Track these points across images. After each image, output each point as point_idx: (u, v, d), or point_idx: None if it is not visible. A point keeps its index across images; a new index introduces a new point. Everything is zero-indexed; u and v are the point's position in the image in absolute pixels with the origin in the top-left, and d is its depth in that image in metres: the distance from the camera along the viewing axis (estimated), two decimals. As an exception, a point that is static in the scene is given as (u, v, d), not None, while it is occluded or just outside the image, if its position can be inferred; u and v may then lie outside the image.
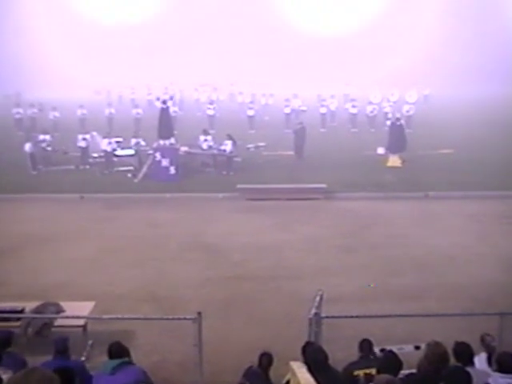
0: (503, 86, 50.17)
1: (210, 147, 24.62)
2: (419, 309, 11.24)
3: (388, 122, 27.92)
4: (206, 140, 24.77)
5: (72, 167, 24.80)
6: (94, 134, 25.68)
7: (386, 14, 57.35)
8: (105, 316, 9.83)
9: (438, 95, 46.77)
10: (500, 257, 14.95)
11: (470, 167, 24.00)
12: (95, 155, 24.81)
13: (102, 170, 24.11)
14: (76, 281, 13.52)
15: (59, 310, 10.35)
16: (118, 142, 25.03)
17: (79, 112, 34.37)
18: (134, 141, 24.82)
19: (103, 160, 24.41)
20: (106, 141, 24.37)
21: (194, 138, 25.59)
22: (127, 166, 24.28)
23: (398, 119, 26.14)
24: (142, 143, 24.68)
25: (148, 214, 19.02)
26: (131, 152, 24.47)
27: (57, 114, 33.94)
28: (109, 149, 24.24)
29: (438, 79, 50.76)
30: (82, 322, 10.16)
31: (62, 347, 7.27)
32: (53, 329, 10.02)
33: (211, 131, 27.85)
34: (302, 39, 57.75)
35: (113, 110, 35.00)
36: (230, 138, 24.19)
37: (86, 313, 10.38)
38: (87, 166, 24.91)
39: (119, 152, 24.70)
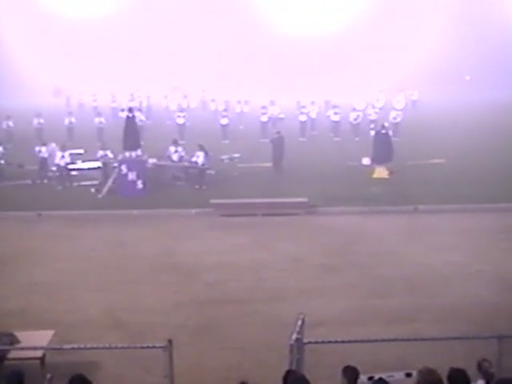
0: (497, 91, 50.93)
1: (180, 159, 24.59)
2: (410, 332, 11.25)
3: (372, 132, 28.09)
4: (176, 151, 24.74)
5: (28, 182, 24.57)
6: (53, 145, 25.49)
7: (369, 15, 57.95)
8: (65, 346, 9.70)
9: (428, 101, 47.30)
10: (497, 275, 15.04)
11: (462, 178, 24.21)
12: (54, 169, 24.65)
13: (57, 186, 23.94)
14: (33, 307, 13.33)
15: (13, 341, 10.18)
16: (79, 154, 24.89)
17: (36, 121, 34.15)
18: (100, 153, 24.68)
19: (58, 175, 24.29)
20: (59, 154, 24.20)
21: (162, 149, 25.54)
22: (90, 180, 24.13)
23: (383, 127, 26.31)
24: (110, 155, 24.55)
25: (113, 233, 18.87)
26: (95, 165, 24.35)
27: (10, 123, 33.66)
28: (62, 163, 24.07)
29: (427, 83, 51.34)
30: (39, 353, 9.99)
31: (16, 383, 7.14)
32: (6, 362, 9.82)
33: (181, 141, 27.87)
34: (279, 41, 58.06)
35: (73, 119, 34.82)
36: (201, 148, 24.17)
37: (44, 343, 10.22)
38: (45, 181, 24.71)
39: (81, 165, 24.56)
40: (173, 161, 24.67)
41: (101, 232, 19.00)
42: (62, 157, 24.17)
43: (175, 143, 25.13)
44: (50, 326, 11.25)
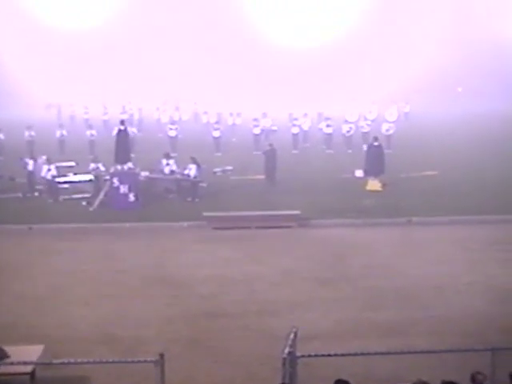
0: (491, 102, 51.12)
1: (172, 172, 24.56)
2: (404, 345, 11.22)
3: (364, 147, 28.10)
4: (168, 164, 24.69)
5: (19, 195, 24.48)
6: (44, 157, 25.41)
7: (362, 27, 58.25)
8: (55, 361, 9.65)
9: (420, 112, 47.53)
10: (491, 287, 15.06)
11: (456, 190, 24.26)
12: (42, 182, 24.57)
13: (48, 199, 23.87)
14: (23, 322, 13.24)
15: (3, 356, 10.11)
16: (70, 166, 24.82)
17: (27, 133, 34.07)
18: (92, 165, 24.62)
19: (46, 188, 24.23)
20: (45, 167, 24.12)
21: (154, 162, 25.51)
22: (82, 193, 24.07)
23: (375, 139, 26.36)
24: (102, 168, 24.49)
25: (104, 246, 18.80)
26: (87, 178, 24.30)
27: (1, 135, 33.58)
28: (49, 176, 23.99)
29: (420, 95, 51.62)
30: (29, 368, 9.94)
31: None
32: (-4, 377, 9.79)
33: (173, 154, 27.85)
34: (271, 53, 58.25)
35: (64, 132, 34.71)
36: (194, 161, 24.15)
37: (34, 358, 10.15)
38: (36, 194, 24.64)
39: (72, 178, 24.50)
40: (165, 174, 24.65)
41: (92, 245, 18.92)
42: (49, 170, 24.04)
43: (167, 156, 25.09)
44: (39, 340, 11.19)
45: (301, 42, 60.07)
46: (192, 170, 23.99)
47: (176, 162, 25.01)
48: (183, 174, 24.25)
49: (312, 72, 56.88)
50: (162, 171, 24.77)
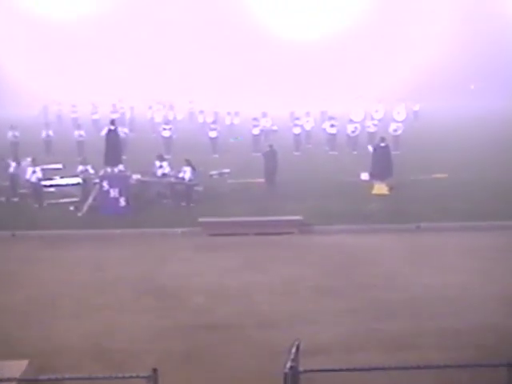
0: (504, 100, 51.12)
1: (165, 175, 24.54)
2: (413, 359, 11.21)
3: (370, 147, 28.09)
4: (161, 166, 24.70)
5: (2, 199, 24.49)
6: (29, 159, 25.41)
7: (368, 21, 58.27)
8: (41, 377, 9.63)
9: (430, 112, 47.51)
10: (506, 298, 15.01)
11: (468, 194, 24.25)
12: (26, 185, 24.56)
13: (33, 204, 23.85)
14: (6, 335, 13.23)
15: (-15, 372, 10.10)
16: (57, 169, 24.81)
17: (10, 134, 34.07)
18: (80, 168, 24.61)
19: (30, 192, 24.22)
20: (30, 169, 24.11)
21: (147, 164, 25.51)
22: (69, 197, 24.06)
23: (382, 139, 26.37)
24: (91, 171, 24.48)
25: (94, 254, 18.79)
26: (75, 181, 24.29)
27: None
28: (34, 178, 23.96)
29: (430, 93, 51.66)
30: (13, 384, 9.93)
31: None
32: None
33: (167, 156, 27.86)
34: (272, 48, 58.31)
35: (51, 132, 34.74)
36: (188, 163, 24.15)
37: (17, 374, 10.12)
38: (15, 199, 24.57)
39: (59, 181, 24.49)
40: (158, 177, 24.64)
41: (80, 253, 18.91)
42: (34, 172, 24.01)
43: (160, 158, 25.10)
44: (24, 355, 11.16)
45: (303, 36, 60.10)
46: (187, 173, 24.00)
47: (170, 165, 25.04)
48: (177, 177, 24.24)
49: (315, 68, 56.95)
50: (154, 174, 24.77)
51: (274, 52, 58.06)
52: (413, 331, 13.24)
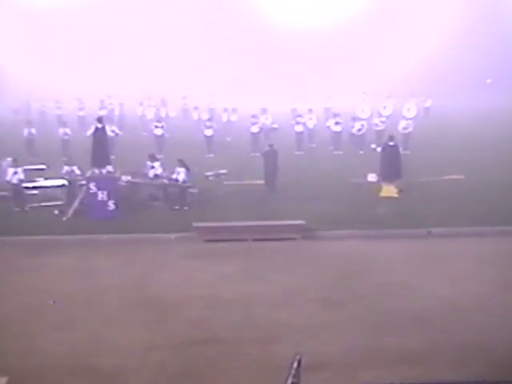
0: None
1: (157, 176, 24.53)
2: (422, 375, 11.23)
3: (373, 146, 28.08)
4: (153, 167, 24.69)
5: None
6: (9, 159, 25.41)
7: (375, 10, 58.25)
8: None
9: (443, 108, 47.47)
10: (524, 309, 15.05)
11: (483, 197, 24.25)
12: (6, 187, 24.56)
13: (14, 207, 23.82)
14: (-15, 349, 13.23)
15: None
16: (40, 169, 24.79)
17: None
18: (66, 168, 24.60)
19: (11, 194, 24.18)
20: (11, 170, 24.08)
21: (137, 165, 25.52)
22: (53, 200, 24.05)
23: (391, 138, 26.38)
24: (77, 172, 24.48)
25: (80, 262, 18.79)
26: (59, 183, 24.28)
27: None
28: (15, 180, 23.94)
29: (442, 88, 51.57)
30: (-9, 403, 9.92)
31: None
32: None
33: (159, 156, 27.86)
34: (271, 39, 58.30)
35: (33, 130, 34.72)
36: (182, 164, 24.15)
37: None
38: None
39: (42, 183, 24.48)
40: (149, 178, 24.63)
41: (65, 261, 18.90)
42: (15, 173, 23.97)
43: (152, 158, 25.10)
44: (2, 371, 11.14)
45: (305, 26, 59.93)
46: (180, 174, 24.01)
47: (162, 165, 25.03)
48: (170, 179, 24.25)
49: (318, 61, 56.93)
50: (146, 175, 24.76)
51: (274, 44, 58.05)
52: (424, 346, 13.21)
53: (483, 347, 13.05)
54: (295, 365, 8.66)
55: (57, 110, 44.41)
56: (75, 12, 57.63)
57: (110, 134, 28.89)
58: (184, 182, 24.04)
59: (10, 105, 49.83)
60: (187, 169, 24.16)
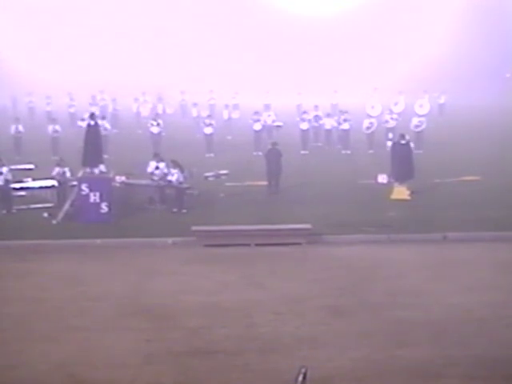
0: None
1: (165, 175, 24.40)
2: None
3: (389, 143, 28.13)
4: (157, 167, 24.64)
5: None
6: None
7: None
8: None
9: (458, 104, 47.39)
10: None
11: (502, 199, 24.20)
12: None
13: (0, 210, 23.87)
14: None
15: None
16: (28, 169, 24.81)
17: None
18: (56, 169, 24.59)
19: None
20: None
21: (132, 164, 25.51)
22: (43, 202, 24.06)
23: (402, 136, 26.35)
24: (68, 173, 24.43)
25: (70, 267, 18.78)
26: (49, 183, 24.27)
27: None
28: (1, 181, 23.89)
29: (457, 83, 51.45)
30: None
31: None
32: None
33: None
34: (275, 30, 58.05)
35: (21, 127, 34.69)
36: (176, 165, 24.09)
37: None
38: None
39: (31, 184, 24.49)
40: (154, 180, 24.50)
41: (55, 267, 18.90)
42: (1, 173, 24.01)
43: (157, 157, 25.00)
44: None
45: (311, 16, 59.72)
46: (174, 176, 23.93)
47: (168, 166, 24.86)
48: (165, 180, 24.21)
49: (324, 55, 56.77)
50: (149, 176, 24.64)
51: (278, 34, 57.79)
52: (437, 358, 13.21)
53: (501, 360, 13.04)
54: (300, 378, 8.67)
55: (46, 106, 44.35)
56: (66, 3, 57.54)
57: (102, 131, 28.80)
58: (180, 183, 24.00)
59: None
60: (181, 170, 24.08)
